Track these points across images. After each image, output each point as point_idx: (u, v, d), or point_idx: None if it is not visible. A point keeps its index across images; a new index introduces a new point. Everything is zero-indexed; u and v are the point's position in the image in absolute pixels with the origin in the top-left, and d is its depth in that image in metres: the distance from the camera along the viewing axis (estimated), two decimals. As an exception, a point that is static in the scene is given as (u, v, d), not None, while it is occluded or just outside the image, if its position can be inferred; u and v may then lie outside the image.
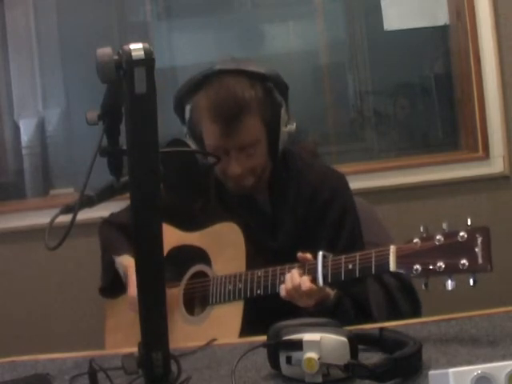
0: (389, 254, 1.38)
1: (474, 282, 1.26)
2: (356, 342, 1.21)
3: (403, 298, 1.86)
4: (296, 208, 1.77)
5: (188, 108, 1.75)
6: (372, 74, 3.16)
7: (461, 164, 2.89)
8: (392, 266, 1.37)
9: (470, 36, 2.82)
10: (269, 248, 1.76)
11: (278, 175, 1.80)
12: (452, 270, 1.28)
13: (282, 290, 1.58)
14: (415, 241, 1.33)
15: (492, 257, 1.26)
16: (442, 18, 2.95)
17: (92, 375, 1.25)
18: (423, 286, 1.33)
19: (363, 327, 1.44)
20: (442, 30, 2.99)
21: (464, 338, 1.35)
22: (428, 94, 3.12)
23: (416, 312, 1.84)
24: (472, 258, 1.26)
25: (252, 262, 1.70)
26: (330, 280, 1.51)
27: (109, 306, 1.93)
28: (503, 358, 1.19)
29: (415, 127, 3.16)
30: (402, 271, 1.36)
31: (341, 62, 3.19)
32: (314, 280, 1.53)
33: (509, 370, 0.98)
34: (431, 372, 1.05)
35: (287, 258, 1.61)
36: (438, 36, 3.04)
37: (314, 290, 1.54)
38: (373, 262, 1.43)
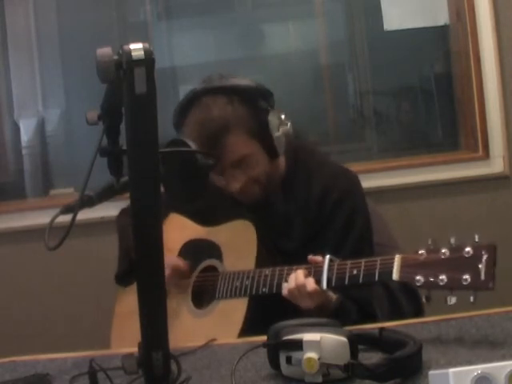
0: (393, 263, 1.39)
1: (475, 299, 1.26)
2: (356, 342, 1.21)
3: (406, 299, 1.86)
4: (306, 208, 1.77)
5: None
6: (372, 74, 3.16)
7: (461, 164, 2.89)
8: (395, 276, 1.38)
9: (470, 36, 2.82)
10: (281, 248, 1.77)
11: (291, 174, 1.81)
12: (454, 285, 1.28)
13: (285, 289, 1.59)
14: (421, 252, 1.33)
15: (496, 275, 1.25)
16: (441, 18, 2.95)
17: (92, 375, 1.25)
18: (424, 299, 1.33)
19: (363, 327, 1.45)
20: (442, 29, 2.99)
21: (464, 338, 1.35)
22: (428, 94, 3.12)
23: (419, 314, 1.84)
24: (475, 274, 1.26)
25: (263, 261, 1.71)
26: (333, 284, 1.52)
27: (120, 293, 1.96)
28: (503, 357, 1.19)
29: (415, 127, 3.16)
30: (404, 281, 1.36)
31: (341, 62, 3.19)
32: (318, 282, 1.54)
33: (509, 369, 0.98)
34: (431, 372, 1.05)
35: (299, 259, 1.61)
36: (438, 36, 3.04)
37: (317, 292, 1.54)
38: (377, 270, 1.44)
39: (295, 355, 1.19)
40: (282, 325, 1.25)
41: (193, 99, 1.73)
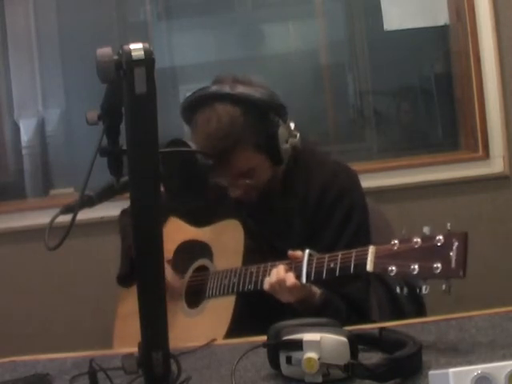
0: (367, 254, 1.39)
1: (448, 287, 1.25)
2: (356, 342, 1.21)
3: (407, 298, 1.86)
4: (305, 206, 1.78)
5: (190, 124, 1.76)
6: (372, 74, 3.16)
7: (461, 164, 2.89)
8: (369, 267, 1.38)
9: (470, 36, 2.82)
10: (279, 246, 1.77)
11: (291, 172, 1.82)
12: (425, 273, 1.27)
13: (266, 283, 1.60)
14: (394, 242, 1.33)
15: (467, 263, 1.24)
16: (441, 18, 2.95)
17: (92, 375, 1.25)
18: (398, 290, 1.33)
19: (363, 327, 1.45)
20: (442, 29, 2.99)
21: (464, 338, 1.35)
22: (428, 94, 3.12)
23: (420, 313, 1.84)
24: (445, 262, 1.25)
25: (252, 259, 1.71)
26: (312, 278, 1.54)
27: (122, 294, 1.97)
28: (503, 357, 1.19)
29: (415, 127, 3.16)
30: (378, 271, 1.37)
31: (341, 62, 3.19)
32: (299, 277, 1.55)
33: (509, 369, 0.98)
34: (431, 372, 1.05)
35: None
36: (438, 36, 3.04)
37: (296, 287, 1.56)
38: (352, 262, 1.44)
39: (295, 355, 1.19)
40: (282, 325, 1.25)
41: (203, 100, 1.71)
